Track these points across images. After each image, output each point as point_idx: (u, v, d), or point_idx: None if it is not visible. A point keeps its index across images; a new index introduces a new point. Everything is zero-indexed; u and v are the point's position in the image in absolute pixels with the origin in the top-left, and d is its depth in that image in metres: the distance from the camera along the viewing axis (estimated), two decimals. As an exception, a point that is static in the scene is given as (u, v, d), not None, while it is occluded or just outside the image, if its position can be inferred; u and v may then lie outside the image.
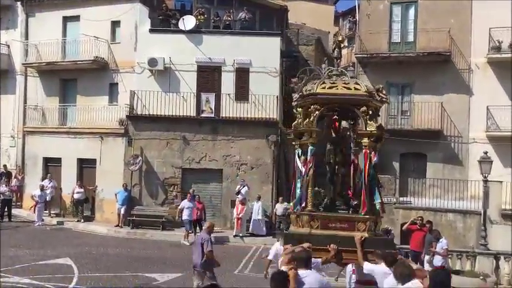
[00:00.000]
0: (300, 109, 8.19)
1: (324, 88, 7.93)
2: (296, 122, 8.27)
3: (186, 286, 12.52)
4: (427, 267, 13.61)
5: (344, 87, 7.95)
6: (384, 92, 8.40)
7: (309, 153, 8.01)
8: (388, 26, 21.80)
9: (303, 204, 7.95)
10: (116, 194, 20.83)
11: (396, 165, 21.34)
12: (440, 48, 20.71)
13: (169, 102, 21.35)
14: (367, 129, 7.86)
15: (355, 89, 7.98)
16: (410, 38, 21.75)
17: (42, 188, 21.71)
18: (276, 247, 10.52)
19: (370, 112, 7.94)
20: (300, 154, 8.23)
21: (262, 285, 10.45)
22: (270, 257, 10.72)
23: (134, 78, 22.15)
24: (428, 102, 20.70)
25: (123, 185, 21.04)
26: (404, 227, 15.23)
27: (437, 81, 21.02)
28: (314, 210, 7.95)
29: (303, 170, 8.10)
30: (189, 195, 19.64)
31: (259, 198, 20.08)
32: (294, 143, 8.42)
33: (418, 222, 14.80)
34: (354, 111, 8.23)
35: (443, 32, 20.50)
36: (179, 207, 19.44)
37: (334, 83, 8.00)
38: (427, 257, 14.03)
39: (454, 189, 19.74)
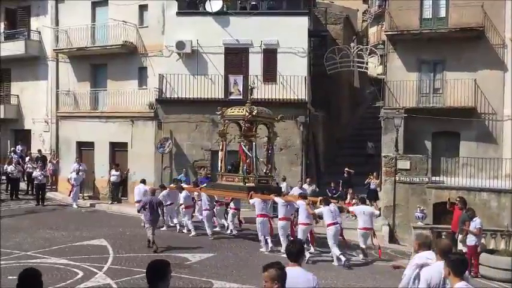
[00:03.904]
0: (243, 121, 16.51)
1: (258, 112, 16.55)
2: (243, 127, 16.60)
3: (218, 266, 12.73)
4: (460, 246, 13.46)
5: (265, 112, 17.01)
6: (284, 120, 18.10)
7: (253, 147, 16.52)
8: (419, 1, 21.19)
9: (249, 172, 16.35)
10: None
11: (428, 144, 20.95)
12: (473, 23, 20.07)
13: (197, 85, 21.44)
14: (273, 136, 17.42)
15: (270, 114, 17.14)
16: (442, 14, 21.12)
17: (78, 172, 22.22)
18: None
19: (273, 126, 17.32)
20: (245, 145, 16.45)
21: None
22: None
23: (162, 62, 22.31)
24: (461, 79, 20.17)
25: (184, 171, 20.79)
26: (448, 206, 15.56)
27: (470, 57, 20.42)
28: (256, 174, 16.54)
29: (249, 153, 16.30)
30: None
31: (284, 179, 20.07)
32: (240, 138, 16.93)
33: (457, 202, 14.58)
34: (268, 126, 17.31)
35: (476, 7, 19.83)
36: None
37: (261, 111, 16.74)
38: (460, 236, 13.82)
39: (488, 167, 19.28)
